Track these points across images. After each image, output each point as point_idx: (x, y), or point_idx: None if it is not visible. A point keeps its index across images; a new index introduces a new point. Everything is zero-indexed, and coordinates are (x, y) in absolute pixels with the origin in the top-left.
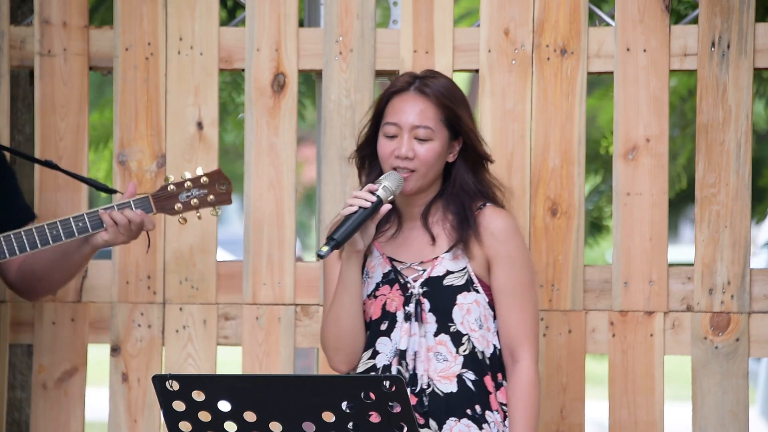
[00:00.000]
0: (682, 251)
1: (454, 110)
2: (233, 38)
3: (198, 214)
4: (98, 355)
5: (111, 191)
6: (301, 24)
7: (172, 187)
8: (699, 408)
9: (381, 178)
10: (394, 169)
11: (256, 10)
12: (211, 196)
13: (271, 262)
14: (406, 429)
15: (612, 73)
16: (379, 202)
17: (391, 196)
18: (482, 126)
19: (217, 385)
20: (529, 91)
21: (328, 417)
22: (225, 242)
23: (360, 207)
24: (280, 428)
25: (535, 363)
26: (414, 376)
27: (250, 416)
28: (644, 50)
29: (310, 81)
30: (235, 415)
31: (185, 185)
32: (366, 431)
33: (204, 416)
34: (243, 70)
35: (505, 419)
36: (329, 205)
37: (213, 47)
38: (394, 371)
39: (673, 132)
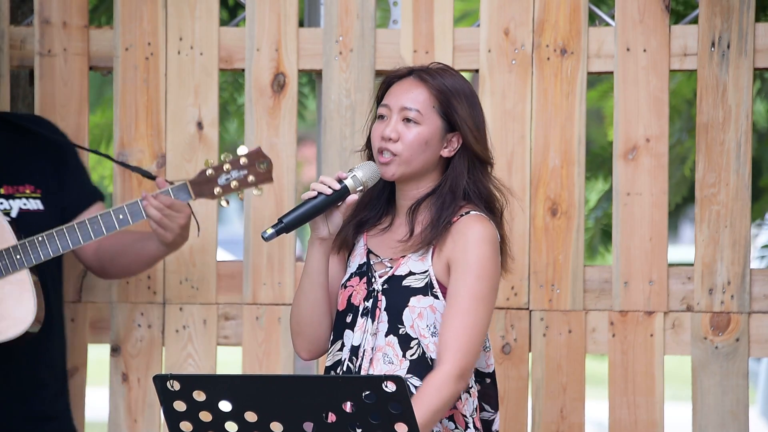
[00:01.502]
0: (682, 251)
1: (451, 102)
2: (233, 38)
3: (240, 195)
4: (98, 355)
5: (151, 177)
6: (301, 24)
7: (210, 171)
8: (699, 408)
9: (355, 167)
10: (381, 152)
11: (256, 10)
12: (251, 177)
13: (271, 262)
14: (406, 429)
15: (612, 73)
16: (345, 191)
17: (361, 187)
18: None
19: (218, 385)
20: (529, 91)
21: (329, 417)
22: (225, 242)
23: (320, 193)
24: (281, 428)
25: (455, 376)
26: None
27: (251, 416)
28: (644, 50)
29: (311, 81)
30: (236, 415)
31: (224, 168)
32: (366, 431)
33: (205, 416)
34: (243, 70)
35: (465, 428)
36: None
37: (213, 47)
38: (345, 368)
39: (681, 136)
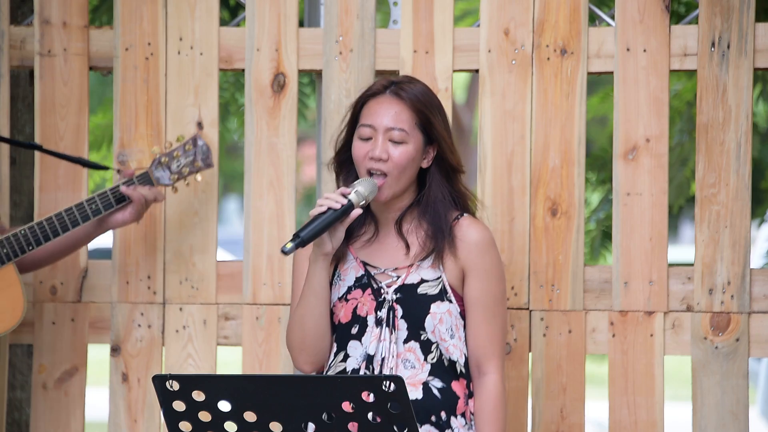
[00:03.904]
0: (682, 251)
1: (428, 116)
2: (233, 38)
3: (186, 182)
4: (98, 355)
5: (102, 168)
6: (301, 24)
7: (164, 158)
8: (699, 408)
9: (355, 182)
10: (369, 173)
11: (256, 10)
12: (198, 162)
13: (271, 262)
14: (406, 429)
15: (612, 73)
16: (350, 206)
17: (363, 201)
18: (482, 126)
19: (217, 385)
20: (529, 91)
21: (329, 417)
22: (225, 242)
23: (329, 208)
24: (281, 428)
25: (501, 377)
26: None
27: (250, 416)
28: (644, 50)
29: (313, 80)
30: (235, 415)
31: (174, 154)
32: (366, 431)
33: (204, 416)
34: (243, 70)
35: (470, 426)
36: None
37: (213, 47)
38: None
39: (682, 137)
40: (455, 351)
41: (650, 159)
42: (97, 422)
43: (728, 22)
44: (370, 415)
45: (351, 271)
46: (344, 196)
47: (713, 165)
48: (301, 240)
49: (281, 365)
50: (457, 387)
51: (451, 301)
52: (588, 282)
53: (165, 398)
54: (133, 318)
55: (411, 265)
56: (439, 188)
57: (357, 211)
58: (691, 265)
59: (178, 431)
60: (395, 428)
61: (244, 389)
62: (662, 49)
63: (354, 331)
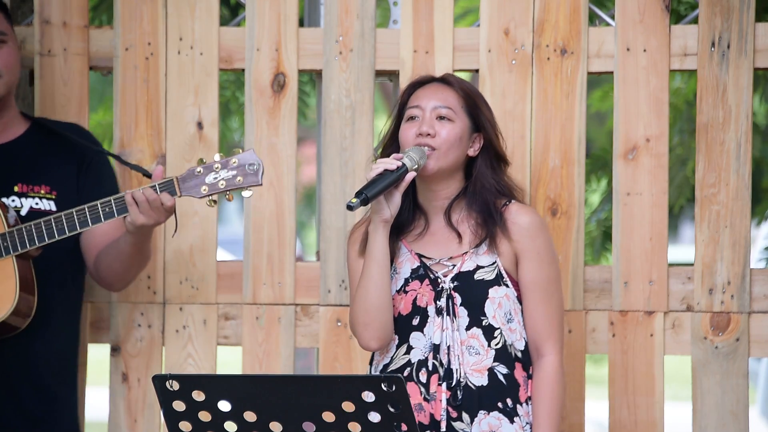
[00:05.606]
0: (682, 251)
1: (475, 101)
2: (233, 38)
3: (228, 197)
4: (98, 355)
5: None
6: (301, 24)
7: (200, 169)
8: (699, 408)
9: (406, 150)
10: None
11: (256, 10)
12: (240, 178)
13: (271, 262)
14: (406, 429)
15: (612, 73)
16: (405, 169)
17: (416, 165)
18: None
19: (217, 385)
20: (529, 91)
21: (328, 417)
22: (225, 242)
23: (386, 169)
24: (280, 428)
25: (560, 358)
26: (449, 371)
27: (250, 416)
28: (644, 50)
29: (313, 80)
30: (235, 415)
31: (214, 167)
32: (366, 431)
33: (204, 416)
34: (243, 70)
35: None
36: (329, 205)
37: (213, 47)
38: (430, 366)
39: (682, 136)
40: (515, 335)
41: (650, 159)
42: (97, 422)
43: (728, 22)
44: (370, 415)
45: (406, 264)
46: (397, 161)
47: (713, 165)
48: (365, 197)
49: (281, 365)
50: (518, 374)
51: (507, 286)
52: (588, 282)
53: (165, 398)
54: (133, 318)
55: (465, 253)
56: (486, 178)
57: (411, 174)
58: (691, 265)
59: (178, 431)
60: (395, 428)
61: (244, 389)
62: (662, 49)
63: (415, 322)
